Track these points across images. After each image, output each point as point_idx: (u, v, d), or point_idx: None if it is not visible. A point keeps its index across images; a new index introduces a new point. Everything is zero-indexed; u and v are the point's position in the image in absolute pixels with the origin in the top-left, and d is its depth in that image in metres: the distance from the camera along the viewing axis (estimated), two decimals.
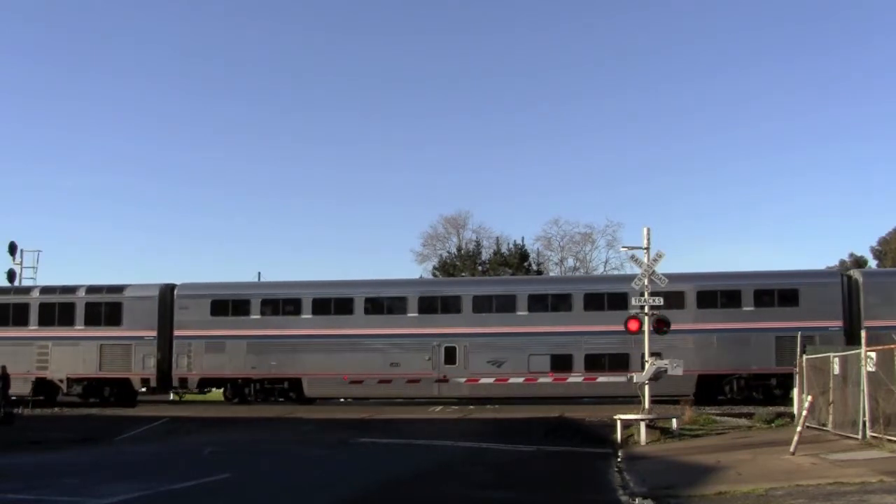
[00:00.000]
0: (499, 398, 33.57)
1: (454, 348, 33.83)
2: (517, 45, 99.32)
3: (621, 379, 29.95)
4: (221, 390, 35.74)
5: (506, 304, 34.20)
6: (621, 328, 27.43)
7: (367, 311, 34.79)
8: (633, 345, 31.07)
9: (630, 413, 24.28)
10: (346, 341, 34.35)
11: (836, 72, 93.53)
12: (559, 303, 34.29)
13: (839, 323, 32.12)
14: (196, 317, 35.24)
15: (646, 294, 24.59)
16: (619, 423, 23.79)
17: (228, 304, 35.61)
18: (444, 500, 14.61)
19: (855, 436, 18.21)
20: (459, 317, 34.22)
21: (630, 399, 30.00)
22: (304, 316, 35.05)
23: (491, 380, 33.41)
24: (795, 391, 24.68)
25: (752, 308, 32.90)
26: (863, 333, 18.48)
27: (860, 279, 33.13)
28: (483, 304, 34.35)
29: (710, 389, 32.62)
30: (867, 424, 17.67)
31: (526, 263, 59.64)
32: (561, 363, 33.19)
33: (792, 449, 17.14)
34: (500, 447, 22.76)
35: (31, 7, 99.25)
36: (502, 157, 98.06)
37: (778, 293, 33.27)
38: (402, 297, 35.03)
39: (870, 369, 17.70)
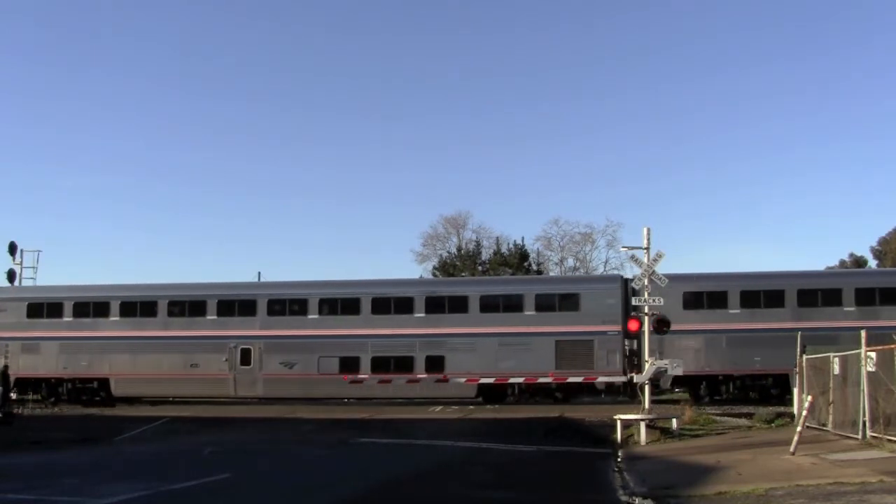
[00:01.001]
0: (291, 398, 34.81)
1: (249, 350, 35.11)
2: (517, 45, 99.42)
3: (404, 380, 33.19)
4: None
5: (298, 308, 35.63)
6: (407, 331, 30.38)
7: (169, 314, 36.35)
8: (418, 348, 33.21)
9: (630, 413, 24.30)
10: (150, 343, 35.66)
11: (836, 72, 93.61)
12: (348, 306, 35.26)
13: (618, 327, 32.98)
14: (13, 319, 36.86)
15: (646, 294, 24.60)
16: (619, 423, 23.80)
17: (43, 307, 37.18)
18: (444, 500, 14.60)
19: (855, 436, 18.22)
20: (255, 320, 35.67)
21: (412, 400, 33.36)
22: (112, 318, 36.45)
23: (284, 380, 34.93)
24: (796, 391, 24.68)
25: (533, 313, 33.77)
26: (862, 333, 18.46)
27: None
28: (277, 308, 35.77)
29: (493, 395, 33.91)
30: (867, 424, 17.67)
31: (526, 263, 59.63)
32: (349, 365, 34.32)
33: (792, 449, 17.14)
34: (500, 447, 22.77)
35: (31, 7, 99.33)
36: (502, 157, 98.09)
37: (559, 298, 34.28)
38: (202, 300, 36.37)
39: (870, 369, 17.70)
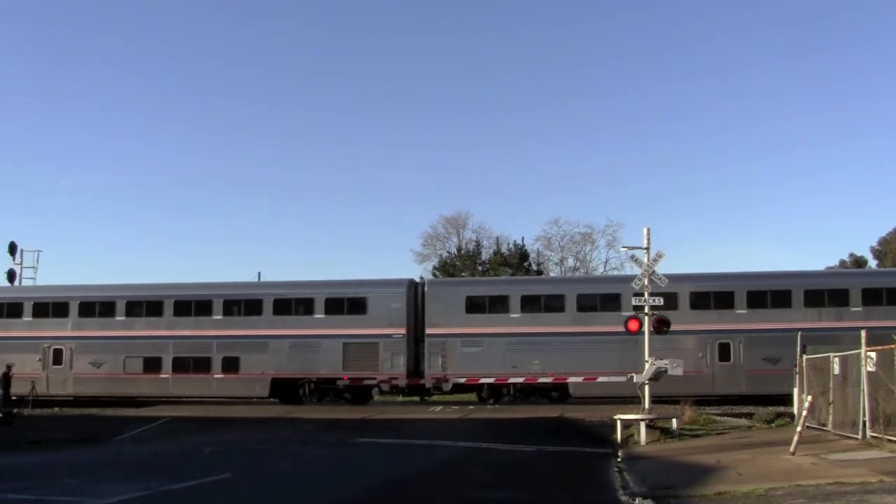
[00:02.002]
0: (102, 396, 35.86)
1: (61, 350, 36.31)
2: (517, 45, 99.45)
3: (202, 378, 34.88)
4: None
5: (107, 310, 36.71)
6: (206, 333, 33.73)
7: None
8: (215, 349, 34.92)
9: (630, 413, 24.29)
10: None
11: (836, 72, 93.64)
12: (153, 309, 36.45)
13: (402, 330, 34.19)
14: None
15: (645, 294, 24.60)
16: (619, 423, 23.79)
17: None
18: (444, 500, 14.60)
19: (855, 436, 18.22)
20: (66, 321, 36.72)
21: (209, 400, 34.41)
22: None
23: (93, 378, 36.04)
24: (795, 391, 24.69)
25: (323, 315, 34.85)
26: (862, 333, 18.45)
27: (425, 288, 35.26)
28: (87, 310, 36.87)
29: (286, 392, 34.93)
30: (867, 424, 17.67)
31: (526, 263, 59.65)
32: (152, 364, 35.56)
33: (792, 449, 17.13)
34: (500, 447, 22.76)
35: (31, 7, 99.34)
36: (502, 157, 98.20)
37: (348, 301, 35.15)
38: (19, 303, 37.60)
39: (870, 369, 17.70)
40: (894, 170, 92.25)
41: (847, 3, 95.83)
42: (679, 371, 24.61)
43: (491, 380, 33.78)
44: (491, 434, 25.09)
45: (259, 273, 56.41)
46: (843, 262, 61.59)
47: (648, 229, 24.73)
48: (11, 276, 41.16)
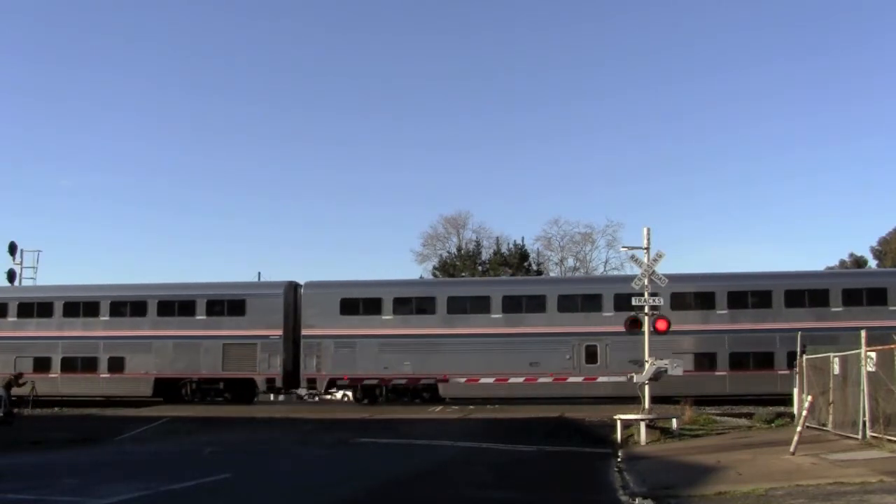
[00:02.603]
0: None
1: None
2: (517, 45, 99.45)
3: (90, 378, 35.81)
4: None
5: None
6: (93, 333, 35.05)
7: None
8: (102, 349, 35.98)
9: (630, 413, 24.29)
10: None
11: (836, 72, 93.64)
12: (43, 310, 37.25)
13: (280, 332, 35.15)
14: None
15: (646, 294, 24.61)
16: (619, 423, 23.79)
17: None
18: (444, 500, 14.59)
19: (855, 436, 18.21)
20: None
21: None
22: None
23: None
24: (796, 391, 24.69)
25: (204, 317, 35.76)
26: (862, 333, 18.45)
27: (302, 290, 36.05)
28: None
29: (169, 392, 35.68)
30: (867, 424, 17.66)
31: (526, 263, 59.66)
32: (42, 364, 36.32)
33: (792, 449, 17.13)
34: (500, 447, 22.76)
35: (31, 7, 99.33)
36: (502, 157, 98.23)
37: (227, 303, 36.06)
38: None
39: (870, 369, 17.70)
40: (894, 170, 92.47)
41: (847, 3, 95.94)
42: (679, 371, 24.63)
43: (373, 381, 34.67)
44: (491, 434, 25.08)
45: (259, 273, 56.46)
46: (843, 262, 61.58)
47: (648, 229, 24.76)
48: (11, 276, 41.19)
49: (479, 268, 59.90)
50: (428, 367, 33.88)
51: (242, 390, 35.55)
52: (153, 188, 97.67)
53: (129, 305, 36.65)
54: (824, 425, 20.91)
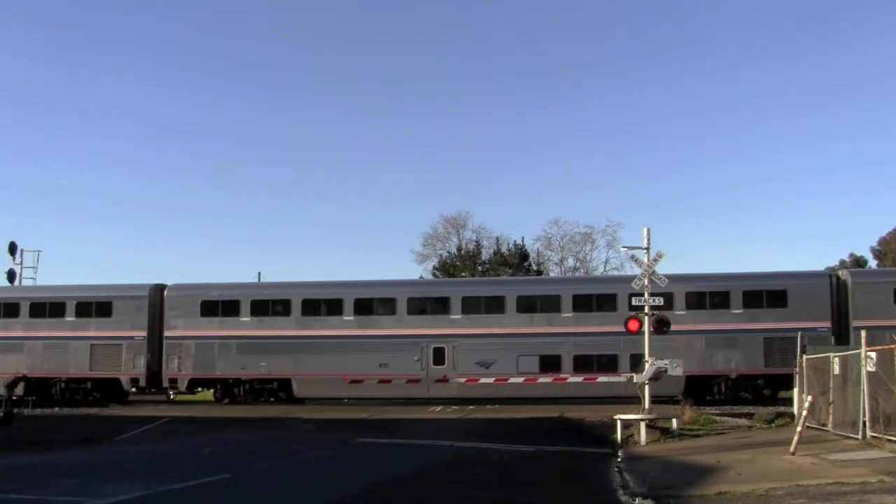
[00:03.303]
0: None
1: None
2: (517, 46, 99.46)
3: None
4: None
5: None
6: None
7: None
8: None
9: (630, 413, 24.29)
10: None
11: (836, 72, 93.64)
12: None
13: (143, 333, 35.90)
14: None
15: (646, 294, 24.61)
16: (619, 423, 23.80)
17: None
18: (444, 500, 14.60)
19: (855, 436, 18.21)
20: None
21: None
22: None
23: None
24: (796, 391, 24.69)
25: (73, 318, 36.53)
26: (863, 333, 18.46)
27: (165, 293, 36.56)
28: None
29: (40, 391, 35.80)
30: (867, 424, 17.67)
31: (526, 263, 59.69)
32: None
33: (792, 449, 17.13)
34: (500, 447, 22.75)
35: (31, 7, 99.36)
36: (502, 157, 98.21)
37: (95, 305, 36.66)
38: None
39: (870, 369, 17.70)
40: (894, 170, 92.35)
41: (847, 3, 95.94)
42: (679, 371, 24.65)
43: (231, 380, 35.45)
44: (491, 434, 25.09)
45: (259, 273, 56.47)
46: (843, 262, 61.54)
47: (648, 229, 24.77)
48: (11, 276, 41.19)
49: (480, 268, 59.94)
50: (282, 367, 34.85)
51: (109, 390, 36.36)
52: (153, 188, 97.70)
53: (2, 307, 37.25)
54: (824, 425, 20.91)
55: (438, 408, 32.98)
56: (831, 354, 21.20)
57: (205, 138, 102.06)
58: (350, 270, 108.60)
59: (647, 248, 24.66)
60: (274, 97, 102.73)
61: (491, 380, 33.66)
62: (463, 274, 57.79)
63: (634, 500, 13.64)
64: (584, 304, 34.27)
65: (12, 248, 41.43)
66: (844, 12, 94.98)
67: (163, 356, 35.70)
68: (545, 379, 33.43)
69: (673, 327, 30.33)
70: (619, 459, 20.03)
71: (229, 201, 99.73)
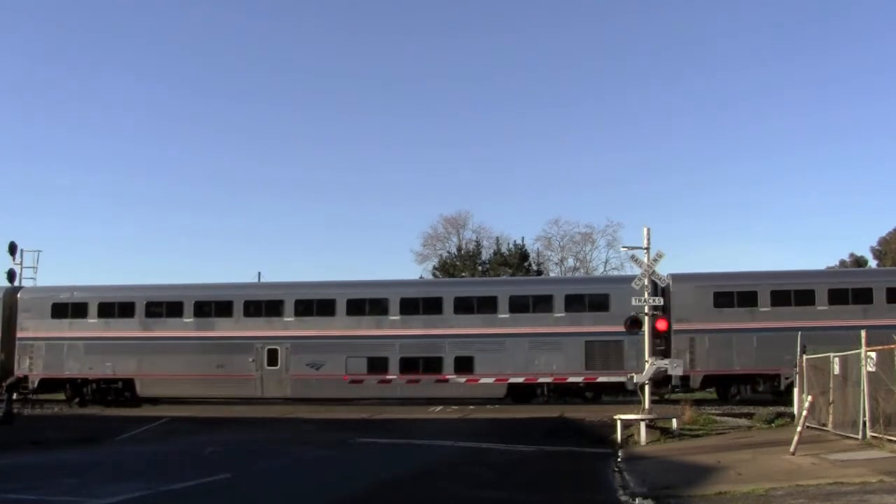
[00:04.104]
0: None
1: None
2: (517, 46, 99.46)
3: None
4: None
5: None
6: None
7: None
8: None
9: (630, 413, 24.29)
10: None
11: (836, 72, 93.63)
12: None
13: None
14: None
15: (646, 294, 24.61)
16: (619, 423, 23.79)
17: None
18: (444, 500, 14.60)
19: (855, 436, 18.21)
20: None
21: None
22: None
23: None
24: (796, 391, 24.69)
25: None
26: (863, 333, 18.46)
27: (19, 295, 37.50)
28: None
29: None
30: (867, 424, 17.67)
31: (526, 263, 59.69)
32: None
33: (792, 449, 17.14)
34: (500, 447, 22.75)
35: (32, 7, 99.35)
36: (502, 157, 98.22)
37: None
38: None
39: (870, 369, 17.70)
40: (894, 170, 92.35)
41: (847, 3, 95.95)
42: (679, 371, 24.64)
43: (79, 379, 36.25)
44: (491, 434, 25.09)
45: (259, 273, 56.43)
46: (843, 262, 61.55)
47: (648, 229, 24.77)
48: (11, 275, 41.16)
49: (479, 268, 59.93)
50: (126, 367, 35.78)
51: None
52: (153, 188, 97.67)
53: None
54: (824, 425, 20.91)
55: (438, 408, 32.99)
56: (831, 354, 21.19)
57: (205, 138, 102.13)
58: (350, 270, 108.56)
59: (648, 248, 24.66)
60: (274, 97, 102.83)
61: (321, 380, 34.67)
62: (463, 274, 57.76)
63: (634, 501, 13.64)
64: (410, 307, 35.02)
65: (12, 248, 41.35)
66: (844, 12, 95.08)
67: (14, 357, 36.42)
68: (372, 380, 34.36)
69: (498, 330, 33.48)
70: (619, 459, 20.03)
71: (229, 201, 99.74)
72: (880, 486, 12.51)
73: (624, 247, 30.77)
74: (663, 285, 27.77)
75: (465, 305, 34.74)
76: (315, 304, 35.79)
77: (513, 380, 33.38)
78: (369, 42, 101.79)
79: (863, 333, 18.44)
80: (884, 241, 62.63)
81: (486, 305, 34.56)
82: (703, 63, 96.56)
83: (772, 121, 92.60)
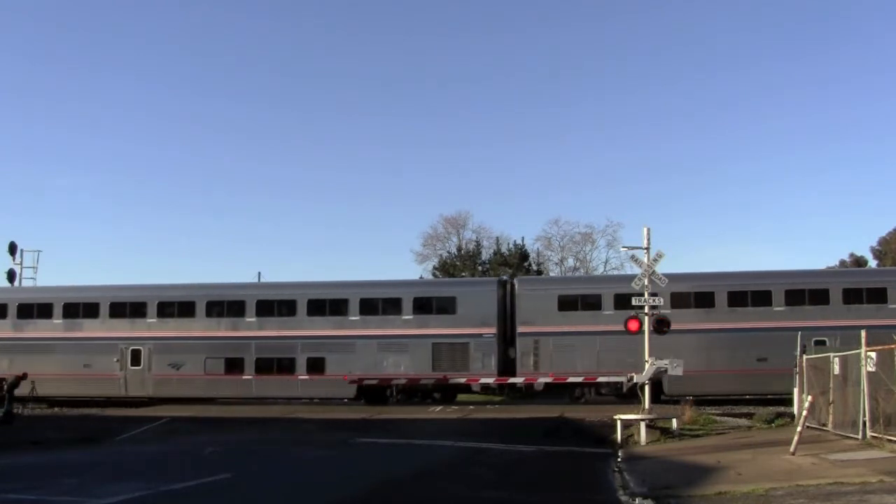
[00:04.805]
0: None
1: None
2: (517, 46, 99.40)
3: None
4: None
5: None
6: None
7: None
8: None
9: (630, 413, 24.29)
10: None
11: (836, 72, 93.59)
12: None
13: None
14: None
15: (646, 294, 24.60)
16: (619, 423, 23.79)
17: None
18: (444, 500, 14.60)
19: (855, 436, 18.22)
20: None
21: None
22: None
23: None
24: (795, 391, 24.69)
25: None
26: (862, 333, 18.46)
27: None
28: None
29: None
30: (867, 424, 17.67)
31: (526, 263, 59.62)
32: None
33: (792, 449, 17.14)
34: (500, 447, 22.76)
35: (32, 7, 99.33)
36: (502, 157, 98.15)
37: None
38: None
39: (870, 369, 17.70)
40: (894, 170, 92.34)
41: (847, 3, 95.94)
42: (679, 371, 24.60)
43: None
44: (491, 434, 25.09)
45: (259, 273, 56.44)
46: (843, 262, 61.53)
47: (648, 229, 24.78)
48: (11, 276, 41.20)
49: (479, 268, 59.89)
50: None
51: None
52: (153, 188, 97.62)
53: None
54: (824, 425, 20.91)
55: (438, 408, 33.01)
56: (831, 354, 21.20)
57: (205, 138, 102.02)
58: (350, 270, 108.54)
59: (648, 248, 24.67)
60: (274, 97, 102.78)
61: (181, 379, 35.80)
62: (463, 274, 57.77)
63: (634, 501, 13.65)
64: (266, 309, 36.28)
65: (12, 248, 41.45)
66: (844, 12, 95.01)
67: None
68: (228, 379, 35.36)
69: (349, 332, 34.52)
70: (619, 459, 20.04)
71: (229, 201, 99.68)
72: (880, 486, 12.51)
73: (624, 247, 30.86)
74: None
75: (317, 308, 35.85)
76: (176, 306, 36.97)
77: (367, 382, 34.42)
78: (369, 42, 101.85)
79: (863, 333, 18.43)
80: (884, 241, 62.58)
81: (338, 308, 35.72)
82: (703, 63, 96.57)
83: (772, 121, 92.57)
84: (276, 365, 35.37)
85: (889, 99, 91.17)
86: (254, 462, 19.96)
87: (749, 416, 27.18)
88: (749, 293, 33.65)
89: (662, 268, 24.98)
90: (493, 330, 34.08)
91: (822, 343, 28.84)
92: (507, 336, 34.51)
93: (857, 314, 31.05)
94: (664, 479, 15.57)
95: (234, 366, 35.53)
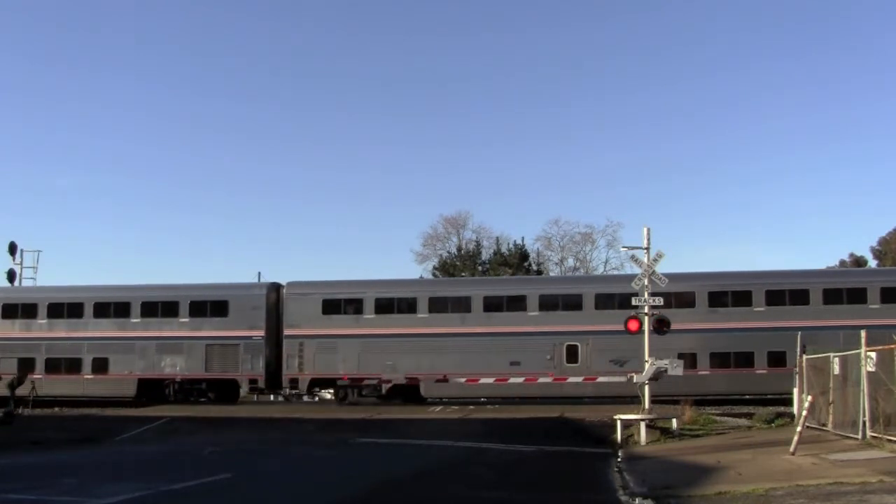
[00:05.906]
0: None
1: None
2: (517, 46, 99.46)
3: None
4: None
5: None
6: None
7: None
8: None
9: (630, 413, 24.28)
10: None
11: (836, 72, 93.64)
12: None
13: None
14: None
15: (646, 294, 24.59)
16: (619, 423, 23.79)
17: None
18: (444, 500, 14.59)
19: (855, 436, 18.21)
20: None
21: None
22: None
23: None
24: (795, 391, 24.68)
25: None
26: (862, 333, 18.45)
27: None
28: None
29: None
30: (867, 424, 17.66)
31: (526, 263, 59.67)
32: None
33: (792, 449, 17.13)
34: (500, 447, 22.76)
35: (32, 7, 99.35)
36: (502, 157, 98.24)
37: None
38: None
39: (870, 369, 17.70)
40: (894, 170, 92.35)
41: (847, 3, 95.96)
42: (679, 371, 24.58)
43: None
44: (491, 434, 25.09)
45: (259, 273, 56.44)
46: (843, 262, 61.55)
47: (648, 229, 24.77)
48: (11, 276, 41.19)
49: (479, 268, 59.91)
50: None
51: None
52: (153, 188, 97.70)
53: None
54: (824, 425, 20.91)
55: (438, 408, 33.00)
56: (831, 354, 21.19)
57: (205, 138, 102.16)
58: (350, 270, 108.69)
59: (647, 248, 24.66)
60: (274, 97, 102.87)
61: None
62: (463, 274, 57.72)
63: (634, 500, 13.64)
64: (56, 311, 37.18)
65: (12, 248, 41.44)
66: (844, 12, 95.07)
67: None
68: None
69: (130, 333, 35.98)
70: (619, 459, 20.03)
71: (229, 201, 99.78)
72: (880, 486, 12.51)
73: (624, 247, 30.86)
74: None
75: (103, 310, 36.94)
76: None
77: (143, 377, 35.91)
78: (369, 42, 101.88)
79: (862, 333, 18.42)
80: (884, 241, 62.59)
81: (121, 310, 36.78)
82: (703, 63, 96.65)
83: (772, 121, 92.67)
84: (64, 365, 36.56)
85: (889, 99, 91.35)
86: (254, 462, 19.97)
87: (749, 416, 27.17)
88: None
89: (661, 268, 24.98)
90: (262, 332, 35.65)
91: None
92: (278, 339, 35.89)
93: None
94: (664, 479, 15.56)
95: (26, 366, 35.76)
